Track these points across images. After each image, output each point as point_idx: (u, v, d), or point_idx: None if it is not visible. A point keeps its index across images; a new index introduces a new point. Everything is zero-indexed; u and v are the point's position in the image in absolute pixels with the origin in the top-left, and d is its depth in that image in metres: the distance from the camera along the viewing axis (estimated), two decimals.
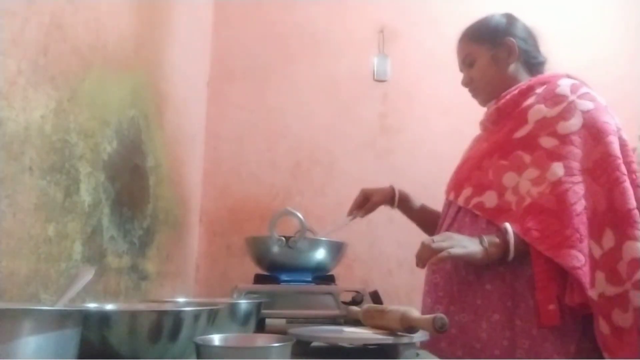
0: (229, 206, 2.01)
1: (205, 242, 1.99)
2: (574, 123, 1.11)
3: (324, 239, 1.37)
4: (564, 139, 1.10)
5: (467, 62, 1.29)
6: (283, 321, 1.18)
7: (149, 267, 1.36)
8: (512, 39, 1.24)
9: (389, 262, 1.99)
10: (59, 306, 0.64)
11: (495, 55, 1.25)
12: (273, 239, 1.28)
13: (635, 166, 1.10)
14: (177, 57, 1.60)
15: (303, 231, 1.28)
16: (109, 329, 0.67)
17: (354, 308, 1.06)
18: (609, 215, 1.04)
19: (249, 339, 0.75)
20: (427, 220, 1.40)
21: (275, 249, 1.30)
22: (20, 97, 0.79)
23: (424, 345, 1.00)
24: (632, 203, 1.04)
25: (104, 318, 0.68)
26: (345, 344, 0.94)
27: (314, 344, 0.89)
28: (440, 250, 1.02)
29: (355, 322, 1.04)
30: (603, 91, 1.18)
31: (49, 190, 0.87)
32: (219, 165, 2.04)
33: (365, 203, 1.40)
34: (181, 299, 1.03)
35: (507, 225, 1.06)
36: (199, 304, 0.88)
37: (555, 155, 1.09)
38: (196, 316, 0.72)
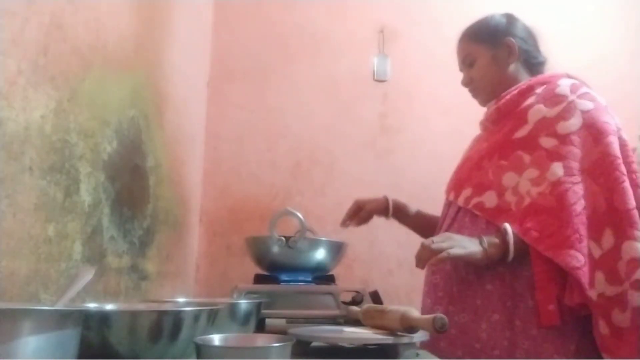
0: (229, 206, 2.01)
1: (205, 242, 1.99)
2: (574, 123, 1.11)
3: (324, 238, 1.38)
4: (564, 139, 1.10)
5: (467, 62, 1.29)
6: (283, 321, 1.18)
7: (149, 267, 1.36)
8: (512, 39, 1.24)
9: (389, 262, 1.99)
10: (59, 306, 0.64)
11: (495, 55, 1.25)
12: (273, 239, 1.28)
13: (635, 166, 1.10)
14: (177, 57, 1.60)
15: (303, 231, 1.29)
16: (109, 329, 0.67)
17: (354, 308, 1.06)
18: (609, 215, 1.04)
19: (249, 339, 0.75)
20: (424, 226, 1.39)
21: (275, 249, 1.30)
22: (20, 97, 0.79)
23: (424, 346, 1.00)
24: (632, 203, 1.04)
25: (104, 318, 0.68)
26: (345, 344, 0.94)
27: (314, 344, 0.89)
28: (440, 250, 1.01)
29: (355, 322, 1.04)
30: (603, 91, 1.19)
31: (49, 190, 0.87)
32: (219, 165, 2.04)
33: (359, 212, 1.40)
34: (181, 299, 1.03)
35: (507, 226, 1.06)
36: (199, 304, 0.88)
37: (555, 155, 1.09)
38: (196, 316, 0.72)
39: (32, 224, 0.83)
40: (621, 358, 0.99)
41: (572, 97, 1.14)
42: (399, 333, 0.87)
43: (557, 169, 1.07)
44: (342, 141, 2.08)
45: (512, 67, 1.25)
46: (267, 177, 2.03)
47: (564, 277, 1.03)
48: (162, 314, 0.72)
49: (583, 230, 1.03)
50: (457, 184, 1.24)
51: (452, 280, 1.15)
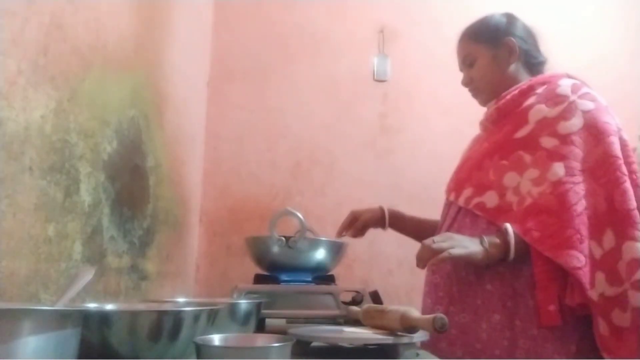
0: (229, 206, 2.01)
1: (205, 242, 1.99)
2: (575, 123, 1.11)
3: (324, 238, 1.37)
4: (565, 139, 1.10)
5: (467, 62, 1.29)
6: (283, 321, 1.18)
7: (149, 267, 1.36)
8: (512, 38, 1.24)
9: (389, 262, 1.99)
10: (59, 306, 0.64)
11: (495, 55, 1.25)
12: (273, 239, 1.28)
13: (635, 166, 1.10)
14: (177, 57, 1.60)
15: (303, 231, 1.28)
16: (109, 329, 0.67)
17: (354, 308, 1.06)
18: (609, 216, 1.04)
19: (249, 339, 0.75)
20: (423, 232, 1.35)
21: (275, 249, 1.30)
22: (20, 97, 0.79)
23: (425, 346, 1.00)
24: (633, 203, 1.04)
25: (104, 318, 0.68)
26: (345, 344, 0.94)
27: (314, 344, 0.89)
28: (441, 250, 1.01)
29: (355, 322, 1.04)
30: (603, 91, 1.19)
31: (49, 190, 0.87)
32: (219, 165, 2.04)
33: (354, 223, 1.40)
34: (181, 299, 1.03)
35: (508, 226, 1.05)
36: (199, 304, 0.88)
37: (556, 156, 1.09)
38: (196, 316, 0.72)
39: (32, 224, 0.83)
40: (621, 358, 0.99)
41: (573, 97, 1.14)
42: (399, 333, 0.87)
43: (558, 169, 1.07)
44: (342, 141, 2.08)
45: (513, 67, 1.25)
46: (267, 177, 2.03)
47: (564, 277, 1.03)
48: (162, 314, 0.72)
49: (584, 231, 1.03)
50: (458, 184, 1.24)
51: (452, 280, 1.15)
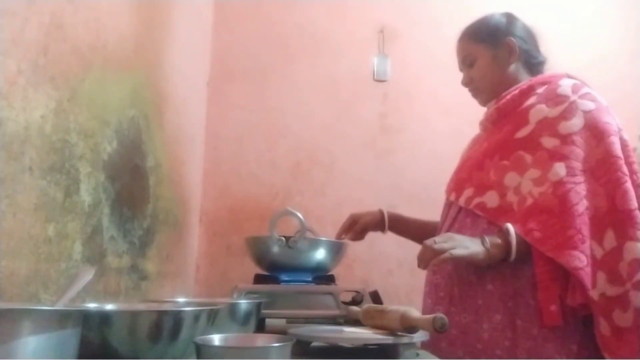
0: (229, 206, 2.01)
1: (205, 242, 1.99)
2: (576, 123, 1.10)
3: (324, 238, 1.37)
4: (566, 139, 1.10)
5: (467, 62, 1.29)
6: (283, 321, 1.18)
7: (149, 267, 1.36)
8: (512, 38, 1.24)
9: (389, 262, 1.99)
10: (59, 306, 0.64)
11: (496, 55, 1.25)
12: (273, 239, 1.28)
13: (636, 167, 1.10)
14: (177, 57, 1.60)
15: (303, 231, 1.28)
16: (109, 329, 0.67)
17: (354, 308, 1.06)
18: (611, 216, 1.04)
19: (249, 339, 0.75)
20: (423, 234, 1.29)
21: (275, 249, 1.30)
22: (20, 97, 0.79)
23: (425, 346, 1.00)
24: (634, 204, 1.04)
25: (104, 318, 0.68)
26: (345, 344, 0.94)
27: (314, 344, 0.89)
28: (443, 251, 1.01)
29: (355, 322, 1.04)
30: (603, 91, 1.19)
31: (49, 190, 0.87)
32: (219, 165, 2.04)
33: (353, 226, 1.40)
34: (181, 299, 1.03)
35: (509, 226, 1.05)
36: (199, 304, 0.88)
37: (557, 156, 1.09)
38: (196, 316, 0.72)
39: (32, 224, 0.83)
40: (622, 358, 1.00)
41: (573, 97, 1.14)
42: (399, 333, 0.87)
43: (560, 169, 1.07)
44: (342, 141, 2.08)
45: (513, 67, 1.25)
46: (267, 177, 2.03)
47: (565, 277, 1.03)
48: (162, 314, 0.72)
49: (585, 231, 1.03)
50: (458, 184, 1.24)
51: (453, 280, 1.15)
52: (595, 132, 1.10)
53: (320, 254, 1.34)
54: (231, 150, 2.04)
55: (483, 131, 1.33)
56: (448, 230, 1.20)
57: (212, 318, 0.76)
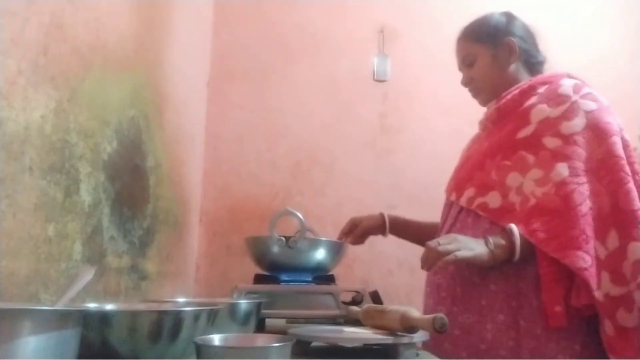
0: (229, 206, 2.01)
1: (205, 242, 1.99)
2: (578, 123, 1.10)
3: (324, 238, 1.37)
4: (568, 139, 1.10)
5: (466, 62, 1.29)
6: (283, 321, 1.18)
7: (149, 267, 1.36)
8: (512, 38, 1.23)
9: (389, 262, 1.99)
10: (59, 306, 0.64)
11: (496, 55, 1.24)
12: (273, 239, 1.28)
13: (637, 167, 1.10)
14: (177, 57, 1.60)
15: (303, 231, 1.28)
16: (109, 329, 0.67)
17: (354, 308, 1.06)
18: (614, 216, 1.04)
19: (249, 339, 0.75)
20: (424, 237, 1.27)
21: (275, 249, 1.30)
22: (20, 97, 0.79)
23: (428, 347, 1.00)
24: (637, 204, 1.04)
25: (104, 318, 0.68)
26: (345, 344, 0.94)
27: (314, 344, 0.89)
28: (447, 253, 1.01)
29: (355, 322, 1.04)
30: (603, 91, 1.19)
31: (49, 190, 0.87)
32: (219, 165, 2.04)
33: (354, 229, 1.40)
34: (181, 299, 1.03)
35: (513, 226, 1.05)
36: (199, 304, 0.88)
37: (559, 156, 1.09)
38: (196, 316, 0.72)
39: (32, 224, 0.83)
40: (626, 358, 0.99)
41: (575, 97, 1.13)
42: (399, 333, 0.87)
43: (562, 169, 1.07)
44: (342, 141, 2.07)
45: (513, 67, 1.25)
46: (267, 177, 2.03)
47: (569, 277, 1.02)
48: (162, 314, 0.72)
49: (589, 231, 1.03)
50: (459, 184, 1.24)
51: (455, 280, 1.14)
52: (597, 132, 1.09)
53: (320, 254, 1.34)
54: (231, 150, 2.04)
55: (483, 131, 1.33)
56: (449, 231, 1.19)
57: (212, 318, 0.76)
